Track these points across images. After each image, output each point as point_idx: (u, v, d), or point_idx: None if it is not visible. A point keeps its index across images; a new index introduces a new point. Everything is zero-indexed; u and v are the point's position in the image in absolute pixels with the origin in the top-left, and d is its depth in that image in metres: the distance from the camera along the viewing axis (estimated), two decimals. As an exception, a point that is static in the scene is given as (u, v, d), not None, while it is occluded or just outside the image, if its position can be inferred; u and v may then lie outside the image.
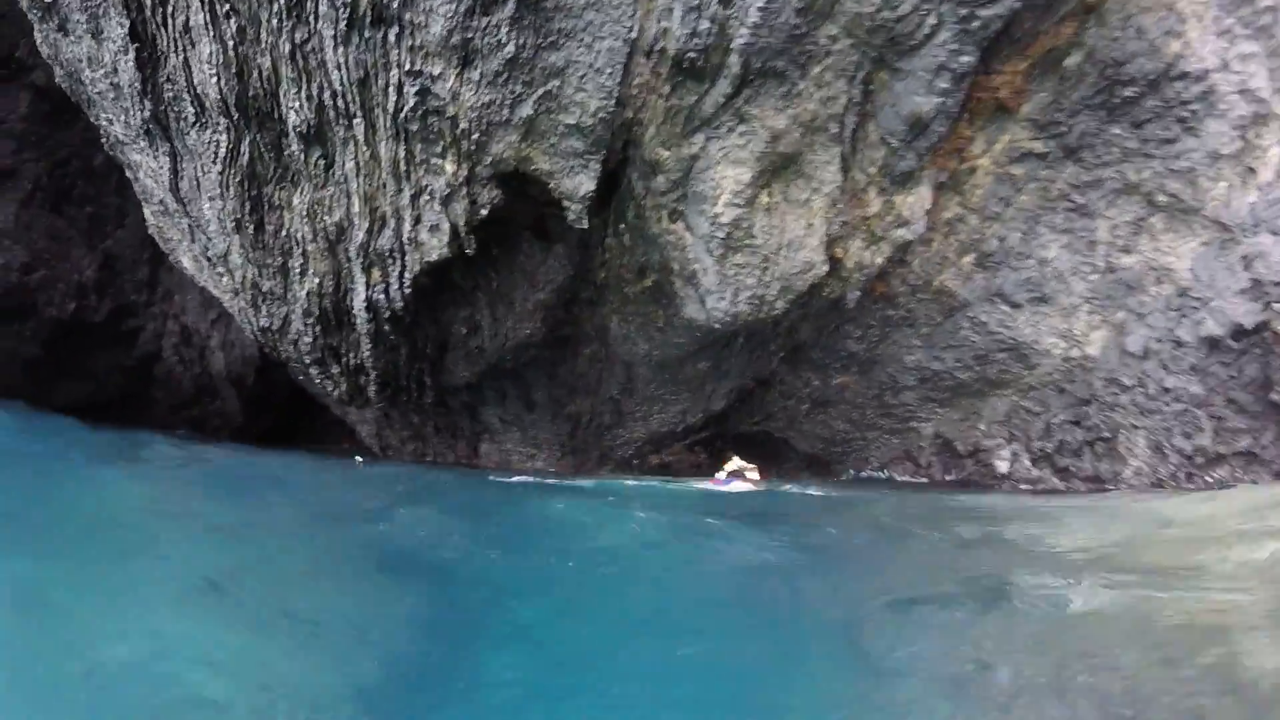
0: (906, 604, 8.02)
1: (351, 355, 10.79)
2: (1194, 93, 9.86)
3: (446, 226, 9.25)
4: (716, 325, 10.22)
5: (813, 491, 12.40)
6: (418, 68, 8.56)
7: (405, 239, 9.42)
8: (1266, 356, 9.94)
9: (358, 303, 9.99)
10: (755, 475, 16.92)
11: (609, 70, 9.24)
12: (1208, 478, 10.35)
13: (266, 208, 10.24)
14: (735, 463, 17.61)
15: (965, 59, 9.74)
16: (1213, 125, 9.87)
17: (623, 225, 10.74)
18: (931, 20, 9.65)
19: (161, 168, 10.83)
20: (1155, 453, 10.60)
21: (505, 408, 12.72)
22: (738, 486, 13.93)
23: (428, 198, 9.19)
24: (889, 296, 10.64)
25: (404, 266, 9.59)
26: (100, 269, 15.31)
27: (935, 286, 10.53)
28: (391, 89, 8.80)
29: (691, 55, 9.31)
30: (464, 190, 9.10)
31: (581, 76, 9.28)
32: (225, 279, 10.79)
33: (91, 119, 11.58)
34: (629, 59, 9.33)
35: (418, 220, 9.35)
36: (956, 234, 10.80)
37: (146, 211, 11.95)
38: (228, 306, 11.77)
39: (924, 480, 12.37)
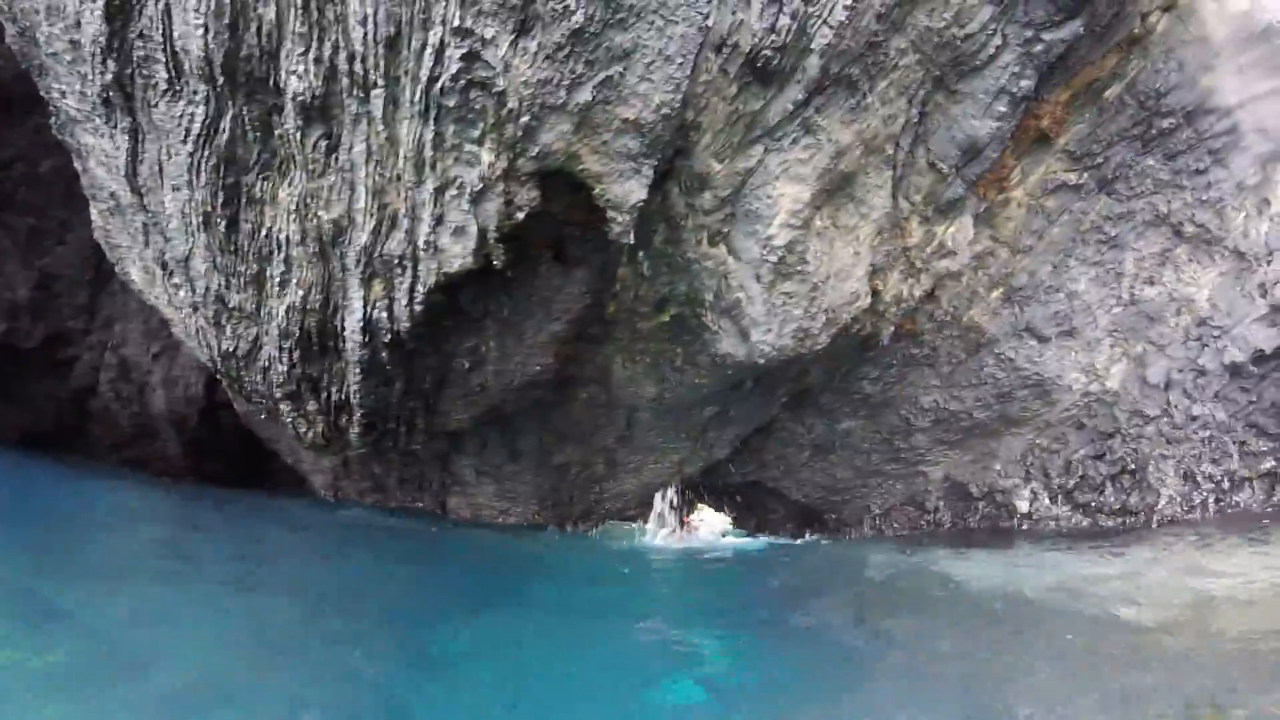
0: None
1: (334, 389, 7.05)
2: (1221, 127, 8.12)
3: (474, 230, 5.72)
4: (760, 360, 7.91)
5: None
6: (468, 25, 4.70)
7: (421, 243, 5.74)
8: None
9: (351, 322, 6.16)
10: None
11: (679, 60, 6.55)
12: (1235, 500, 8.56)
13: (244, 201, 7.26)
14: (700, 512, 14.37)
15: (1025, 83, 7.68)
16: (1237, 159, 8.19)
17: (642, 253, 7.78)
18: (996, 41, 7.51)
19: (118, 148, 7.48)
20: (1187, 480, 8.63)
21: (483, 458, 9.69)
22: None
23: (455, 192, 5.68)
24: (913, 333, 8.02)
25: (416, 278, 5.91)
26: (35, 288, 11.04)
27: (964, 322, 8.29)
28: (429, 51, 5.42)
29: (767, 53, 6.82)
30: (500, 186, 5.75)
31: (649, 64, 6.50)
32: (183, 291, 6.88)
33: (42, 91, 8.16)
34: (699, 51, 6.61)
35: (439, 221, 5.80)
36: (986, 268, 8.79)
37: (93, 212, 8.65)
38: (179, 329, 7.72)
39: (913, 530, 8.94)
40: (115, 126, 7.28)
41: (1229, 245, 8.23)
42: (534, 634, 6.75)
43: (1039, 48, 7.49)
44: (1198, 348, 8.37)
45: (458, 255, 6.55)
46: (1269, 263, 8.22)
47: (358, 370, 7.26)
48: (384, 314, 6.85)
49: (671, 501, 13.23)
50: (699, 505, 15.86)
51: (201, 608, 6.89)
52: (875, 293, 8.01)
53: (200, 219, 7.06)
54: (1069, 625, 6.66)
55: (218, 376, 8.65)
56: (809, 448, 9.56)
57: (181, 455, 12.13)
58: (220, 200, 6.93)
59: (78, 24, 6.87)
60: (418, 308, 6.74)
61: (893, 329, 8.22)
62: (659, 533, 10.92)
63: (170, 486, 11.96)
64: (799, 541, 10.41)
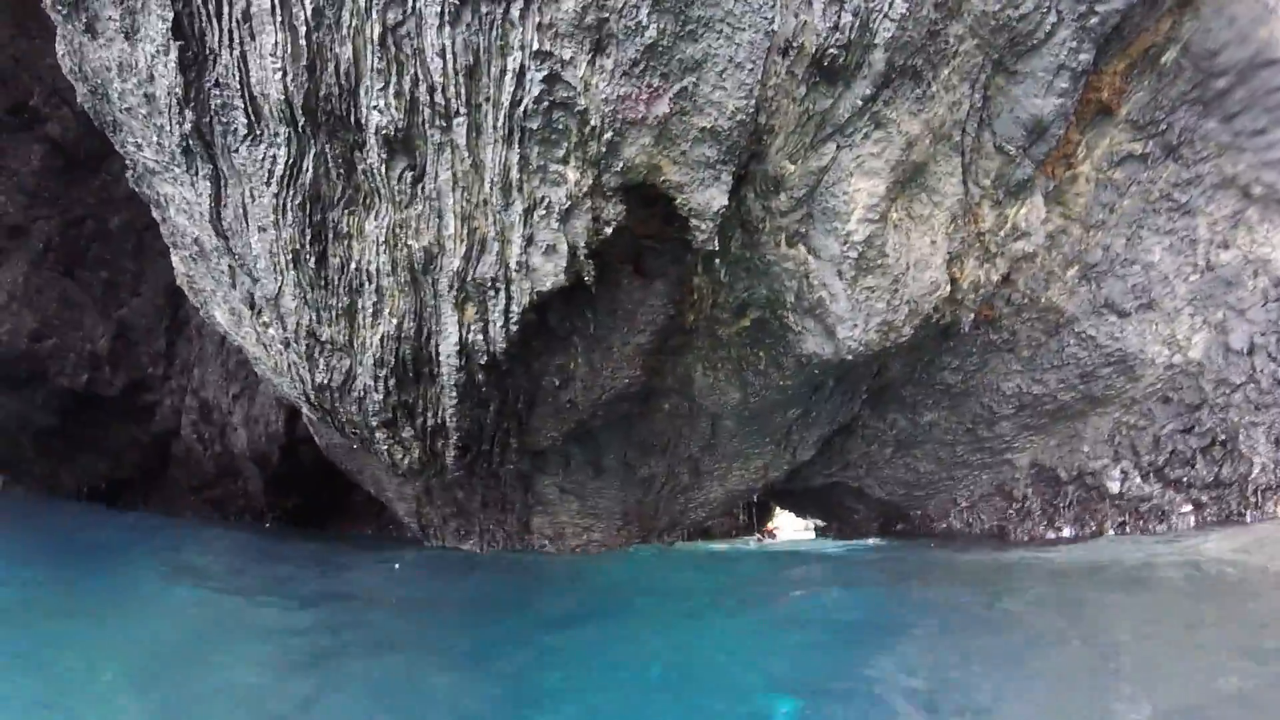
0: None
1: (430, 414, 7.22)
2: (1279, 80, 7.92)
3: (564, 248, 5.83)
4: (848, 356, 8.04)
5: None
6: (546, 48, 4.83)
7: (513, 264, 5.87)
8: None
9: (446, 347, 6.35)
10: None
11: (750, 65, 6.56)
12: None
13: (331, 237, 7.39)
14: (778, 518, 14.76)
15: (1084, 56, 7.63)
16: (1299, 115, 8.13)
17: (718, 260, 7.86)
18: (1051, 18, 7.49)
19: (200, 195, 7.60)
20: (1278, 447, 8.44)
21: (567, 475, 9.74)
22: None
23: (543, 213, 5.75)
24: (991, 319, 7.96)
25: (509, 298, 6.01)
26: (115, 339, 11.59)
27: (1042, 303, 8.19)
28: (509, 77, 5.58)
29: (833, 52, 6.84)
30: (587, 203, 5.97)
31: (720, 72, 6.52)
32: (273, 329, 7.04)
33: (117, 146, 8.18)
34: (767, 56, 6.61)
35: (529, 241, 5.87)
36: (1059, 247, 8.77)
37: (175, 259, 8.91)
38: (264, 366, 7.90)
39: (1001, 521, 8.91)
40: (196, 174, 7.47)
41: (1299, 203, 8.16)
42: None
43: (1094, 20, 7.50)
44: (1278, 309, 8.29)
45: (550, 273, 6.65)
46: (1341, 219, 8.17)
47: (453, 394, 7.38)
48: (479, 336, 6.97)
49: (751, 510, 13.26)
50: (776, 511, 15.90)
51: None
52: (954, 280, 8.03)
53: (289, 257, 7.22)
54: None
55: (307, 411, 8.78)
56: (891, 443, 9.55)
57: (263, 492, 12.36)
58: (309, 238, 7.07)
59: (151, 78, 7.05)
60: (513, 328, 6.85)
61: (972, 315, 8.22)
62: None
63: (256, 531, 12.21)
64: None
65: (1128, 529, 8.79)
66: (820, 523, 11.87)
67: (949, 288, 7.87)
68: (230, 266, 7.90)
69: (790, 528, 17.23)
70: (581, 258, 6.73)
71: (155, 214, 8.73)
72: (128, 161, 8.41)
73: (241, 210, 7.46)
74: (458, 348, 7.06)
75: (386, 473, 11.02)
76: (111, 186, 11.42)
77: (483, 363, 7.11)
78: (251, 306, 8.02)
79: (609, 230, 6.70)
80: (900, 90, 7.31)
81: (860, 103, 7.16)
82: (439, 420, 7.74)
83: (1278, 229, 8.25)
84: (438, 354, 7.25)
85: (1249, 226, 8.27)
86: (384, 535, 12.97)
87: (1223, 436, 8.42)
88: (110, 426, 12.16)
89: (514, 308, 6.81)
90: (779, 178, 7.32)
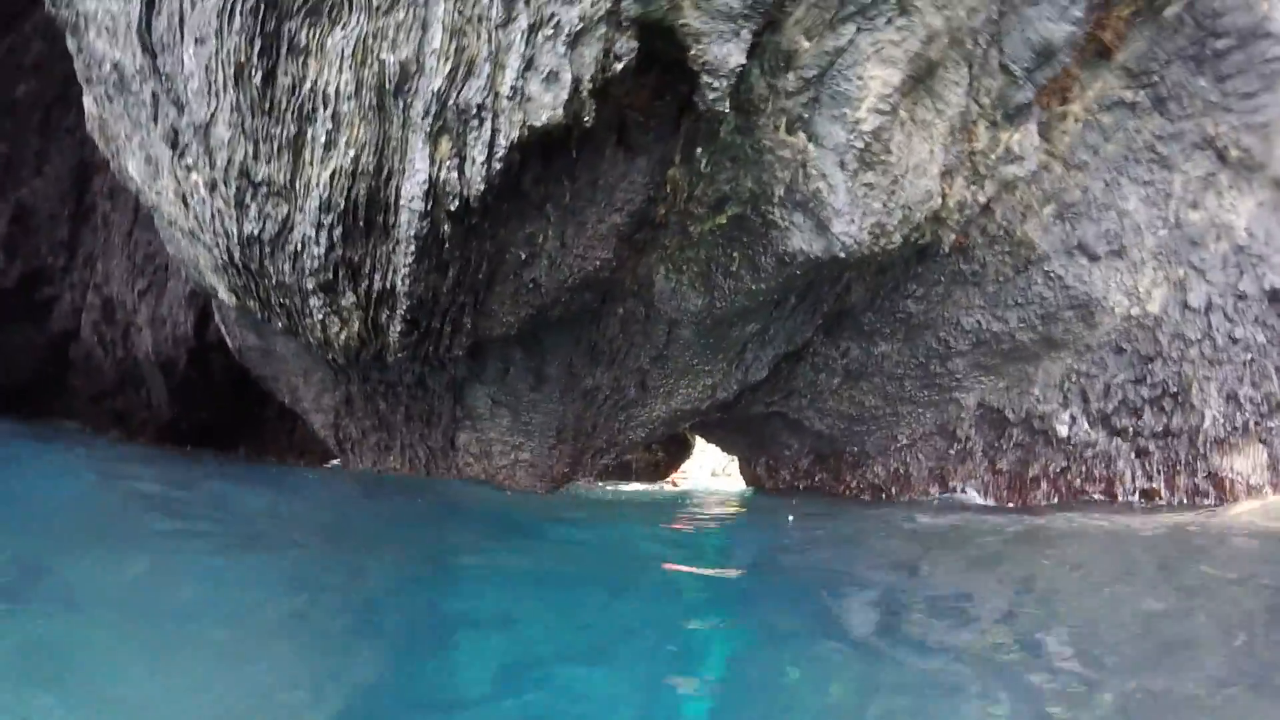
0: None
1: (378, 276, 5.24)
2: (1276, 52, 7.10)
3: (568, 78, 4.18)
4: (840, 254, 6.94)
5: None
6: None
7: (505, 91, 4.18)
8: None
9: (411, 187, 4.58)
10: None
11: None
12: (1271, 425, 7.48)
13: (284, 51, 4.90)
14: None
15: None
16: (1288, 86, 8.08)
17: (701, 149, 6.43)
18: None
19: (130, 2, 5.75)
20: (1229, 401, 7.60)
21: (504, 384, 8.25)
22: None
23: (550, 33, 4.09)
24: (964, 248, 6.73)
25: (495, 131, 4.26)
26: (12, 223, 8.75)
27: (1016, 237, 7.69)
28: None
29: None
30: (601, 29, 4.13)
31: None
32: (197, 172, 5.14)
33: None
34: None
35: (528, 65, 4.20)
36: (1040, 182, 7.80)
37: (88, 101, 6.29)
38: (183, 231, 5.98)
39: (939, 462, 7.91)
40: (128, -24, 5.59)
41: (1270, 174, 7.61)
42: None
43: (1111, -44, 6.86)
44: (1237, 273, 7.87)
45: (547, 105, 5.16)
46: (1306, 195, 7.74)
47: (411, 248, 5.74)
48: (453, 174, 5.40)
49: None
50: (693, 449, 14.29)
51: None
52: (942, 196, 6.86)
53: (230, 73, 5.49)
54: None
55: (224, 291, 6.85)
56: (840, 373, 8.47)
57: (169, 403, 10.12)
58: (257, 49, 5.39)
59: None
60: (496, 165, 5.30)
61: (953, 237, 7.10)
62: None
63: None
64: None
65: (1069, 475, 7.79)
66: (744, 459, 10.43)
67: (940, 200, 6.75)
68: (154, 94, 6.07)
69: (697, 475, 15.64)
70: (585, 94, 5.28)
71: (70, 44, 6.83)
72: (46, -18, 6.41)
73: (177, 19, 5.71)
74: (426, 187, 5.47)
75: (304, 379, 9.12)
76: (20, 51, 9.28)
77: (451, 209, 5.54)
78: (174, 146, 6.19)
79: (618, 67, 5.29)
80: (928, -22, 6.19)
81: (888, -18, 6.05)
82: (388, 284, 6.08)
83: (1243, 197, 7.80)
84: (397, 199, 5.65)
85: (1219, 191, 7.80)
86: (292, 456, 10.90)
87: (1175, 389, 7.83)
88: (4, 327, 9.71)
89: (500, 141, 5.30)
90: (791, 54, 6.12)
